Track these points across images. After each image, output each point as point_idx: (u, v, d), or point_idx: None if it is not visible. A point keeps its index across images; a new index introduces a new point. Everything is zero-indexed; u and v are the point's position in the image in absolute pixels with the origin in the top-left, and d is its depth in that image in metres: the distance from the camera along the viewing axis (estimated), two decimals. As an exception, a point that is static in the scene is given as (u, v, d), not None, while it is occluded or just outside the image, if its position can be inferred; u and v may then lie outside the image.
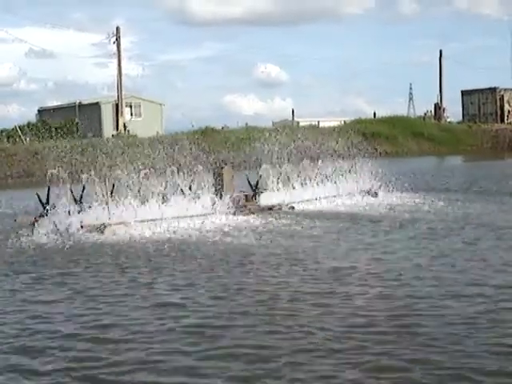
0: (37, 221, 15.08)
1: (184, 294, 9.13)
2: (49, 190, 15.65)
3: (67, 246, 13.05)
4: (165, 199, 16.30)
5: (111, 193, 15.70)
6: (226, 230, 14.79)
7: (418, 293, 8.77)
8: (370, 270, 10.26)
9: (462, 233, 13.68)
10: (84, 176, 15.95)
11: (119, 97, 52.89)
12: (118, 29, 52.68)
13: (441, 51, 70.20)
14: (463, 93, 70.73)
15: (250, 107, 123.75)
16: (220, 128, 54.44)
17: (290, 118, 74.32)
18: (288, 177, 20.10)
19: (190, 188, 17.11)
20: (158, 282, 10.03)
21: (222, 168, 18.67)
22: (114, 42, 51.85)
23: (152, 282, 9.98)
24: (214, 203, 16.91)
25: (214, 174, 18.30)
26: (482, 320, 7.54)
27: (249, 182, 19.18)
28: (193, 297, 8.97)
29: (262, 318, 7.86)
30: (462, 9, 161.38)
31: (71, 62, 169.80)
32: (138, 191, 16.17)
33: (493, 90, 68.19)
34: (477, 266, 10.29)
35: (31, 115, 60.72)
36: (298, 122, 69.11)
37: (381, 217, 16.52)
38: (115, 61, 52.70)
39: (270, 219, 16.46)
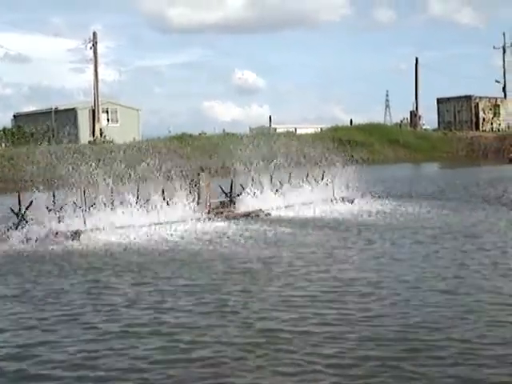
0: (11, 228, 14.92)
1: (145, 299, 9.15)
2: (19, 197, 15.44)
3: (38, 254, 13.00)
4: (140, 206, 16.26)
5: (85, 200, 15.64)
6: (200, 236, 14.78)
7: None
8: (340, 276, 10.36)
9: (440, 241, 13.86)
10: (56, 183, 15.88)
11: (95, 102, 52.57)
12: (94, 34, 52.42)
13: (417, 59, 70.73)
14: (439, 100, 71.36)
15: (227, 113, 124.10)
16: (197, 134, 54.37)
17: (267, 125, 74.44)
18: (264, 183, 20.13)
19: (163, 194, 17.06)
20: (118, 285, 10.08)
21: (199, 174, 18.66)
22: (90, 48, 51.57)
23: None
24: (190, 210, 16.91)
25: (190, 180, 18.29)
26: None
27: (222, 189, 19.22)
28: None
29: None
30: (438, 17, 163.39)
31: (47, 67, 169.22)
32: (111, 199, 16.14)
33: (468, 97, 68.91)
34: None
35: (6, 120, 60.25)
36: (275, 129, 69.30)
37: (356, 222, 16.64)
38: (92, 66, 52.42)
39: (245, 226, 16.46)
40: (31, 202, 15.26)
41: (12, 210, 15.44)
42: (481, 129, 67.45)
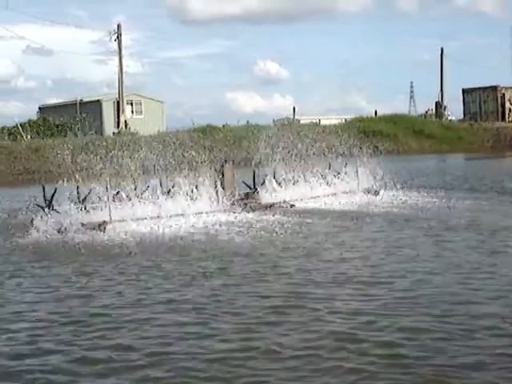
0: (36, 219, 15.04)
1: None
2: (44, 189, 15.57)
3: (65, 245, 13.11)
4: (166, 197, 16.32)
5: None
6: (226, 227, 14.82)
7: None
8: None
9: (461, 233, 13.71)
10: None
11: (120, 94, 52.84)
12: (119, 26, 52.65)
13: (442, 49, 70.26)
14: (464, 91, 70.62)
15: (250, 105, 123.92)
16: (221, 126, 54.40)
17: (291, 116, 74.21)
18: (287, 175, 20.09)
19: (195, 187, 17.08)
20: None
21: (223, 166, 18.65)
22: (115, 40, 51.80)
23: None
24: (215, 201, 16.95)
25: (215, 171, 18.28)
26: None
27: (244, 182, 19.24)
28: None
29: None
30: (463, 7, 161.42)
31: (70, 59, 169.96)
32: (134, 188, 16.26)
33: (494, 88, 68.09)
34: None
35: (31, 112, 60.75)
36: (298, 120, 69.03)
37: (381, 215, 16.54)
38: (115, 58, 52.73)
39: (269, 217, 16.45)
40: (55, 190, 15.38)
41: (44, 200, 15.57)
42: (507, 119, 66.62)
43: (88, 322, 7.93)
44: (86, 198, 15.70)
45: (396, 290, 8.88)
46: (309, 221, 15.71)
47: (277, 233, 13.90)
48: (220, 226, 14.98)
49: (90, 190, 15.86)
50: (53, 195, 15.41)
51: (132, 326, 7.71)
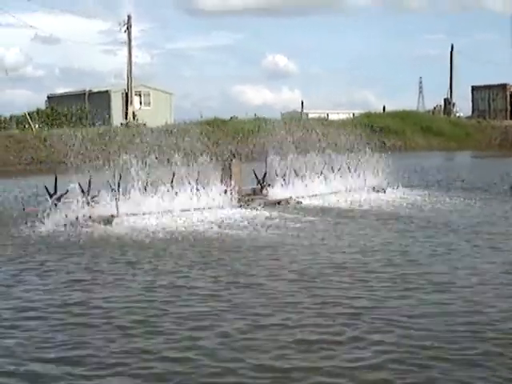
0: (45, 211, 15.11)
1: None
2: (56, 179, 15.65)
3: (74, 237, 13.21)
4: (172, 191, 16.37)
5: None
6: (231, 222, 14.91)
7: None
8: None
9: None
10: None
11: (129, 85, 52.87)
12: (129, 17, 52.60)
13: (452, 46, 70.05)
14: (473, 88, 70.49)
15: (258, 98, 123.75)
16: (229, 118, 54.44)
17: (299, 110, 74.19)
18: (295, 170, 20.13)
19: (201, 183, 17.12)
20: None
21: (231, 161, 18.68)
22: (124, 31, 51.78)
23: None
24: (222, 196, 17.01)
25: (222, 167, 18.31)
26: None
27: (256, 175, 19.21)
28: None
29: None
30: (470, 2, 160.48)
31: (78, 48, 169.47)
32: (146, 183, 16.27)
33: (503, 86, 67.96)
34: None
35: (39, 101, 60.81)
36: (306, 114, 69.00)
37: (386, 214, 16.54)
38: (124, 49, 52.72)
39: (276, 213, 16.49)
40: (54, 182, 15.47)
41: (48, 193, 15.63)
42: (516, 118, 66.48)
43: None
44: (89, 190, 15.71)
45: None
46: (314, 218, 15.76)
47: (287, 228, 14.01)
48: (224, 221, 15.06)
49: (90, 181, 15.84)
50: (56, 186, 15.50)
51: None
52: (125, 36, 52.22)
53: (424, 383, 6.08)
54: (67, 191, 15.26)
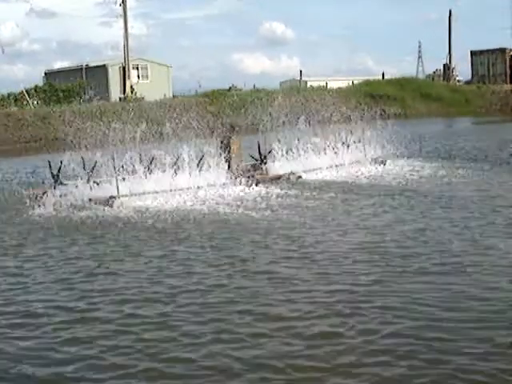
0: (46, 193, 15.16)
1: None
2: (61, 162, 15.69)
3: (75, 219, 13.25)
4: (172, 170, 16.34)
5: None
6: (232, 200, 14.92)
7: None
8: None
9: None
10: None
11: (126, 59, 52.48)
12: (124, -12, 51.97)
13: (450, 11, 69.49)
14: (472, 53, 69.91)
15: (256, 66, 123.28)
16: (227, 89, 54.24)
17: (298, 78, 73.91)
18: (294, 143, 20.01)
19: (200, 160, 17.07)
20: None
21: (230, 137, 18.58)
22: (120, 5, 51.24)
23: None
24: (222, 173, 16.97)
25: (221, 143, 18.21)
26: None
27: (259, 149, 19.06)
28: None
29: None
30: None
31: (74, 21, 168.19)
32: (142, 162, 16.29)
33: (502, 50, 67.34)
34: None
35: (36, 76, 60.44)
36: (305, 82, 68.72)
37: (387, 188, 16.52)
38: (120, 21, 52.13)
39: (277, 190, 16.48)
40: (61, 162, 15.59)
41: (51, 174, 15.70)
42: (516, 82, 66.04)
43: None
44: (93, 170, 15.75)
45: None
46: (315, 194, 15.78)
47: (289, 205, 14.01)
48: (224, 198, 15.11)
49: (96, 162, 15.85)
50: (59, 169, 15.59)
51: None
52: (120, 9, 51.69)
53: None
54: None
